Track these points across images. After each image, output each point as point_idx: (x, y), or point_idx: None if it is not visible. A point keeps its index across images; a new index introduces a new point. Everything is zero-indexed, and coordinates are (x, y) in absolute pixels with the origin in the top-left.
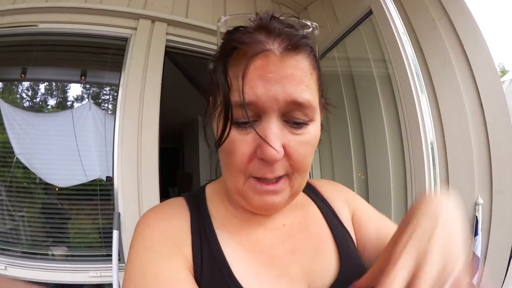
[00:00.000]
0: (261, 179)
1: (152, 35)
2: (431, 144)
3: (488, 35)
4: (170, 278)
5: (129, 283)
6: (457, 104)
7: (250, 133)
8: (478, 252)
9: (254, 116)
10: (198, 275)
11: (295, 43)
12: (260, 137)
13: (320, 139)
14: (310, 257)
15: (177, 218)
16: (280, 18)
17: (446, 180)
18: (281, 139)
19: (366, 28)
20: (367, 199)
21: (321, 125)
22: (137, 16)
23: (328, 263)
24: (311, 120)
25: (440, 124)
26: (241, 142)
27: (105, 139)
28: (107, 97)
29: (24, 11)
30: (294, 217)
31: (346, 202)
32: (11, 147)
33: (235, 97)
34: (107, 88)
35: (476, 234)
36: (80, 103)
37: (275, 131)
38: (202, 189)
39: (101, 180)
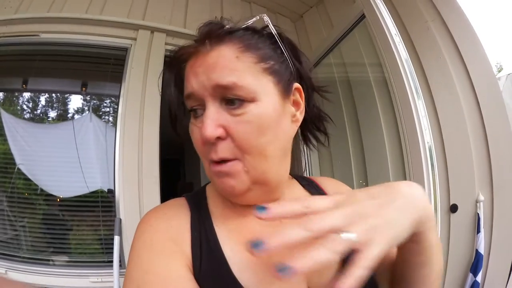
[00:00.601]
0: (214, 162)
1: (151, 45)
2: (429, 146)
3: (485, 35)
4: (170, 276)
5: (130, 281)
6: (454, 103)
7: (201, 121)
8: (482, 250)
9: (201, 106)
10: (197, 272)
11: (216, 36)
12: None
13: (322, 143)
14: None
15: (177, 217)
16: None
17: (446, 178)
18: (217, 121)
19: (361, 33)
20: None
21: (322, 115)
22: (136, 27)
23: None
24: (251, 99)
25: (438, 123)
26: (195, 129)
27: (106, 151)
28: (108, 109)
29: (26, 21)
30: None
31: None
32: (12, 157)
33: (184, 93)
34: (108, 100)
35: (478, 231)
36: (81, 114)
37: (208, 114)
38: (203, 189)
39: (102, 192)
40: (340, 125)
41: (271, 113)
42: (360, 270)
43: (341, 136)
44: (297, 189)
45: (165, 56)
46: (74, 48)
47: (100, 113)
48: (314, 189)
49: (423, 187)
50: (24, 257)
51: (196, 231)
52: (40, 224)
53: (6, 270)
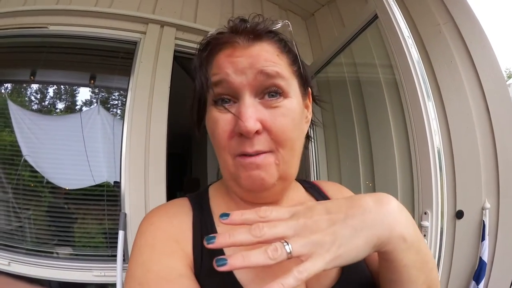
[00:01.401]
0: (244, 155)
1: (161, 40)
2: (438, 150)
3: (495, 41)
4: (170, 275)
5: (132, 279)
6: (464, 108)
7: (231, 110)
8: (485, 257)
9: (231, 97)
10: (198, 271)
11: (258, 34)
12: (234, 114)
13: (311, 138)
14: None
15: (179, 216)
16: (249, 18)
17: (453, 184)
18: (256, 113)
19: (373, 33)
20: None
21: (312, 121)
22: (146, 21)
23: None
24: (286, 95)
25: (447, 128)
26: (222, 120)
27: (113, 143)
28: (116, 102)
29: (34, 13)
30: None
31: None
32: (19, 149)
33: (212, 79)
34: (116, 93)
35: (483, 239)
36: (89, 106)
37: (248, 105)
38: (206, 190)
39: (108, 185)
40: (349, 125)
41: (298, 110)
42: (290, 279)
43: (349, 137)
44: (300, 192)
45: (175, 51)
46: (83, 41)
47: (109, 106)
48: (316, 192)
49: (431, 191)
50: (28, 249)
51: (197, 230)
52: (45, 216)
53: (9, 262)
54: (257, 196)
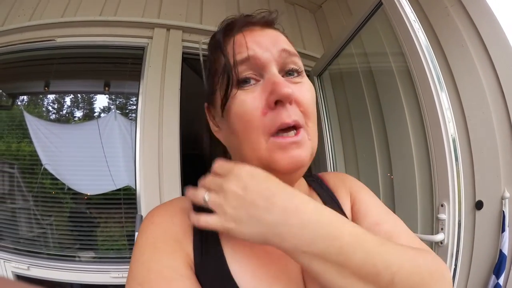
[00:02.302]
0: (282, 135)
1: (168, 43)
2: (453, 139)
3: (504, 19)
4: (170, 275)
5: (132, 280)
6: (478, 94)
7: (256, 90)
8: (505, 250)
9: (256, 75)
10: (198, 271)
11: (271, 20)
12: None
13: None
14: None
15: (180, 215)
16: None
17: (471, 173)
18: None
19: (381, 21)
20: (392, 199)
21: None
22: (152, 26)
23: None
24: (303, 74)
25: (463, 116)
26: (250, 99)
27: (132, 148)
28: (133, 107)
29: (41, 27)
30: None
31: (349, 192)
32: (38, 158)
33: (237, 58)
34: (134, 98)
35: (503, 230)
36: (105, 113)
37: (278, 75)
38: None
39: (126, 189)
40: (363, 117)
41: (313, 89)
42: (194, 218)
43: (365, 128)
44: (303, 185)
45: (184, 53)
46: (93, 50)
47: (125, 111)
48: (318, 185)
49: (447, 182)
50: (48, 254)
51: (198, 229)
52: (66, 222)
53: (28, 266)
54: (287, 178)
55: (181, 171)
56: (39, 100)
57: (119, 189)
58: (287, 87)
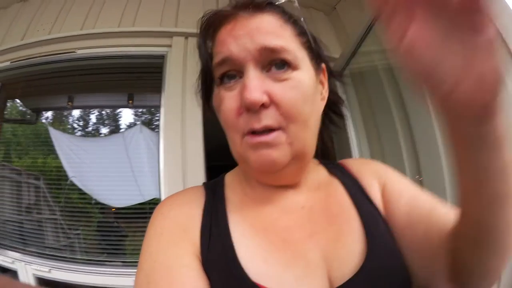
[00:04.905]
0: (253, 134)
1: (187, 51)
2: None
3: None
4: (175, 265)
5: (140, 271)
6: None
7: (236, 88)
8: None
9: (236, 72)
10: (204, 259)
11: (258, 5)
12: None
13: (338, 126)
14: (331, 241)
15: (190, 204)
16: None
17: None
18: (262, 86)
19: None
20: None
21: (334, 102)
22: (170, 34)
23: (353, 247)
24: (294, 67)
25: None
26: (228, 98)
27: (158, 160)
28: (157, 117)
29: (60, 40)
30: (315, 198)
31: (376, 176)
32: (65, 172)
33: (215, 60)
34: (156, 109)
35: None
36: (130, 126)
37: (252, 77)
38: (222, 177)
39: (157, 200)
40: (387, 115)
41: (311, 83)
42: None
43: (389, 128)
44: (322, 173)
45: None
46: (113, 61)
47: (152, 125)
48: (339, 171)
49: None
50: (71, 258)
51: (207, 216)
52: (94, 234)
53: (50, 269)
54: (272, 177)
55: None
56: (63, 117)
57: (146, 202)
58: (255, 92)
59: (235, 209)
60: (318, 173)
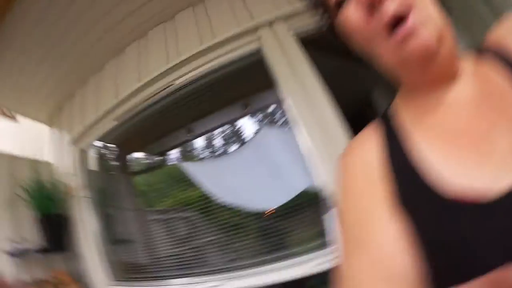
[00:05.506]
0: (394, 32)
1: (278, 37)
2: None
3: None
4: (373, 216)
5: (347, 242)
6: None
7: (353, 3)
8: None
9: None
10: (399, 198)
11: None
12: None
13: None
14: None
15: (369, 148)
16: None
17: None
18: None
19: None
20: None
21: None
22: (252, 30)
23: None
24: None
25: None
26: (351, 14)
27: (297, 153)
28: (276, 113)
29: (151, 82)
30: (481, 86)
31: None
32: (209, 198)
33: None
34: (275, 105)
35: None
36: (256, 132)
37: None
38: (389, 105)
39: (308, 191)
40: None
41: None
42: None
43: None
44: (471, 60)
45: (301, 39)
46: (212, 76)
47: (274, 121)
48: (490, 52)
49: None
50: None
51: (387, 148)
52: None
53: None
54: (431, 70)
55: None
56: (188, 150)
57: (300, 194)
58: None
59: (411, 125)
60: (468, 61)
